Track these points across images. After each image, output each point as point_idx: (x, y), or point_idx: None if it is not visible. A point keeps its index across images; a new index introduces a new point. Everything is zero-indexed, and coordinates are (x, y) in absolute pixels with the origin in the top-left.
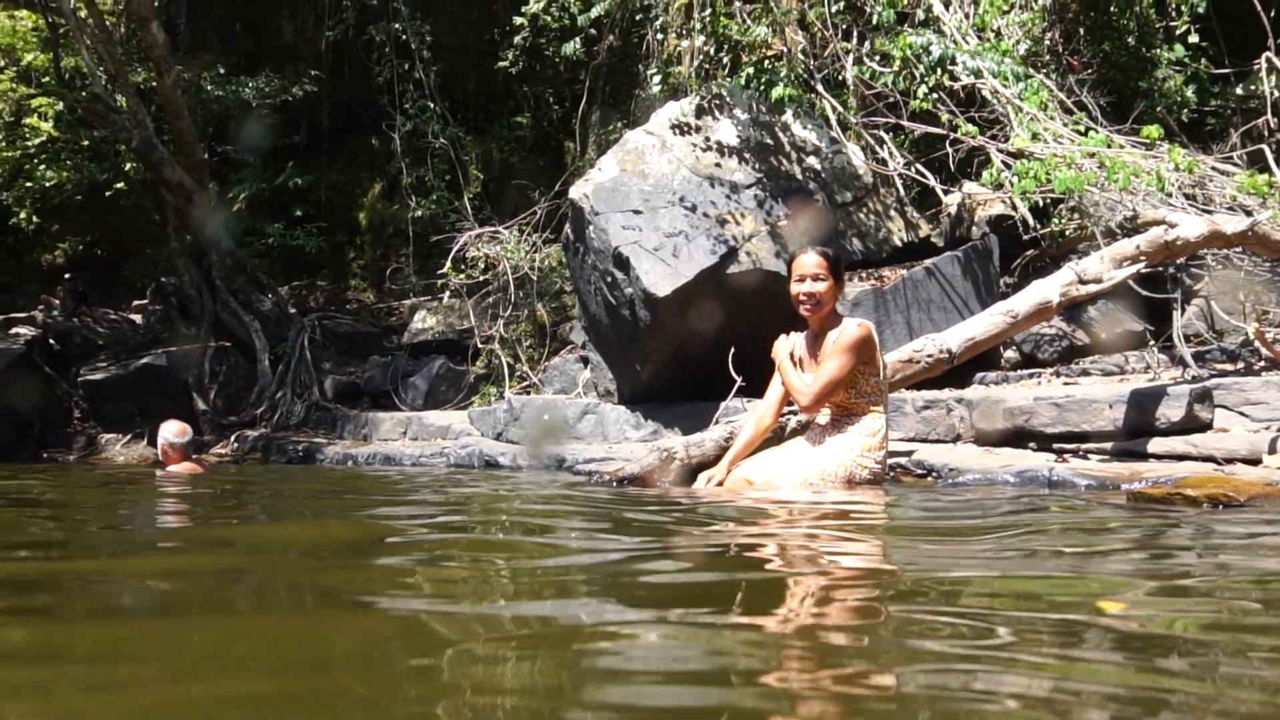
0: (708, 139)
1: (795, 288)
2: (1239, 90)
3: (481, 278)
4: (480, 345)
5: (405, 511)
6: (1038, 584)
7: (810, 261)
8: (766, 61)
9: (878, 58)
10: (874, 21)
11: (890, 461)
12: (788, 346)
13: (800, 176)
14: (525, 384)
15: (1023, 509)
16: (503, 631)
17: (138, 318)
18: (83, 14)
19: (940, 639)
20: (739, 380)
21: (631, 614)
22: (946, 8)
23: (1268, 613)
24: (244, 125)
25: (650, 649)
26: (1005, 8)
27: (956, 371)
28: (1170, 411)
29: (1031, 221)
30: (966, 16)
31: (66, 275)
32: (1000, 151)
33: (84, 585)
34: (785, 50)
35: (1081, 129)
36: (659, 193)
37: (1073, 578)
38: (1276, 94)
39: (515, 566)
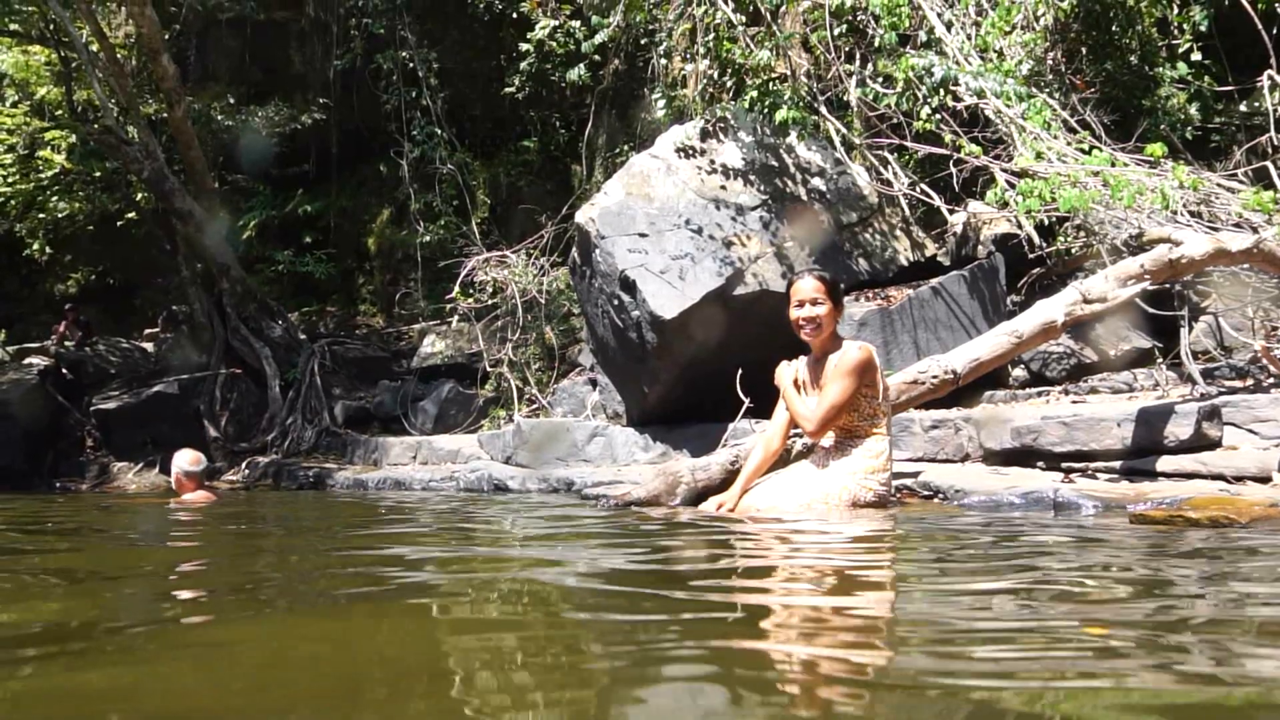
0: (713, 162)
1: (794, 313)
2: (1243, 107)
3: (490, 301)
4: (489, 369)
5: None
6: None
7: (808, 286)
8: (770, 84)
9: (880, 79)
10: (876, 44)
11: (896, 482)
12: (790, 372)
13: (805, 197)
14: (534, 407)
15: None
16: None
17: (149, 346)
18: (95, 48)
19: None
20: (747, 401)
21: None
22: (948, 29)
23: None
24: (253, 154)
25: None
26: (1007, 28)
27: (965, 390)
28: (1179, 430)
29: (1037, 240)
30: (969, 38)
31: (67, 306)
32: (1004, 171)
33: None
34: (789, 73)
35: (1085, 148)
36: (665, 215)
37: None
38: (1279, 111)
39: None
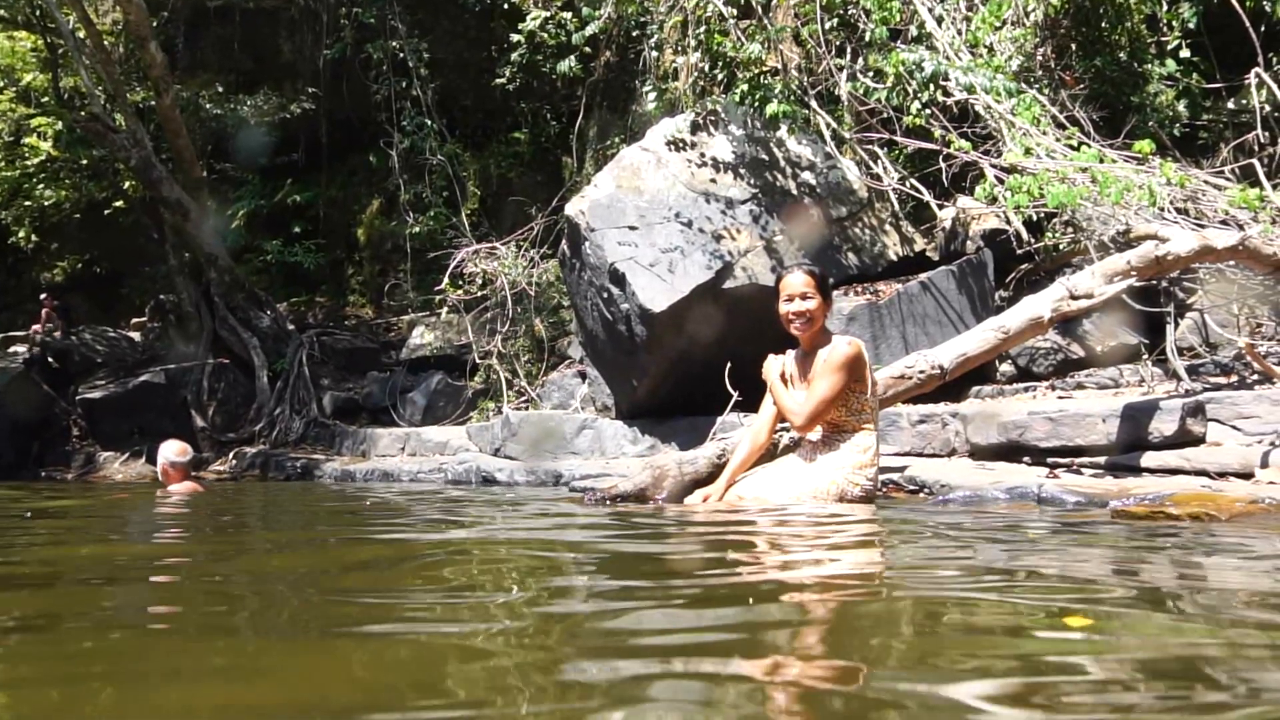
0: (703, 155)
1: (784, 307)
2: (1230, 105)
3: (479, 293)
4: (478, 360)
5: None
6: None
7: (798, 281)
8: (761, 78)
9: (871, 74)
10: (867, 38)
11: (883, 477)
12: (778, 366)
13: (795, 191)
14: (523, 399)
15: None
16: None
17: (136, 335)
18: (81, 34)
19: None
20: (736, 395)
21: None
22: (939, 24)
23: (1222, 632)
24: (242, 143)
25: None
26: (997, 24)
27: (952, 385)
28: (1163, 425)
29: (1025, 236)
30: (959, 33)
31: (43, 295)
32: (993, 166)
33: None
34: (780, 67)
35: (1074, 144)
36: (655, 209)
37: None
38: (1267, 108)
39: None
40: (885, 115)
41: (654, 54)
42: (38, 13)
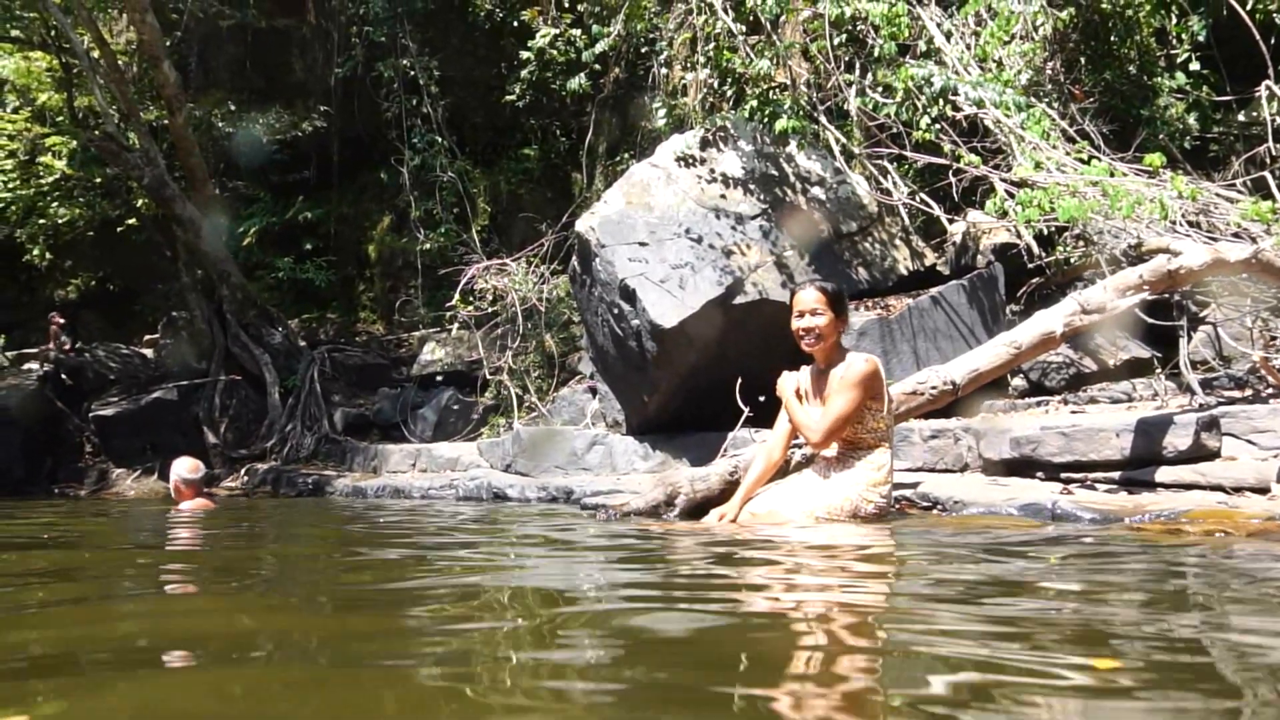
0: (713, 171)
1: (796, 323)
2: (1241, 117)
3: (490, 309)
4: (489, 376)
5: None
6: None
7: (809, 298)
8: (770, 93)
9: (880, 89)
10: (876, 53)
11: (896, 494)
12: (793, 383)
13: (805, 206)
14: (534, 415)
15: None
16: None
17: (149, 352)
18: (96, 54)
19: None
20: (746, 410)
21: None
22: (948, 39)
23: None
24: (249, 156)
25: None
26: (1006, 38)
27: (964, 399)
28: (1177, 440)
29: (1036, 250)
30: (968, 47)
31: (51, 314)
32: (1004, 181)
33: None
34: (789, 82)
35: (1084, 157)
36: (665, 224)
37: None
38: (1278, 120)
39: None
40: (895, 130)
41: (663, 70)
42: (53, 33)
